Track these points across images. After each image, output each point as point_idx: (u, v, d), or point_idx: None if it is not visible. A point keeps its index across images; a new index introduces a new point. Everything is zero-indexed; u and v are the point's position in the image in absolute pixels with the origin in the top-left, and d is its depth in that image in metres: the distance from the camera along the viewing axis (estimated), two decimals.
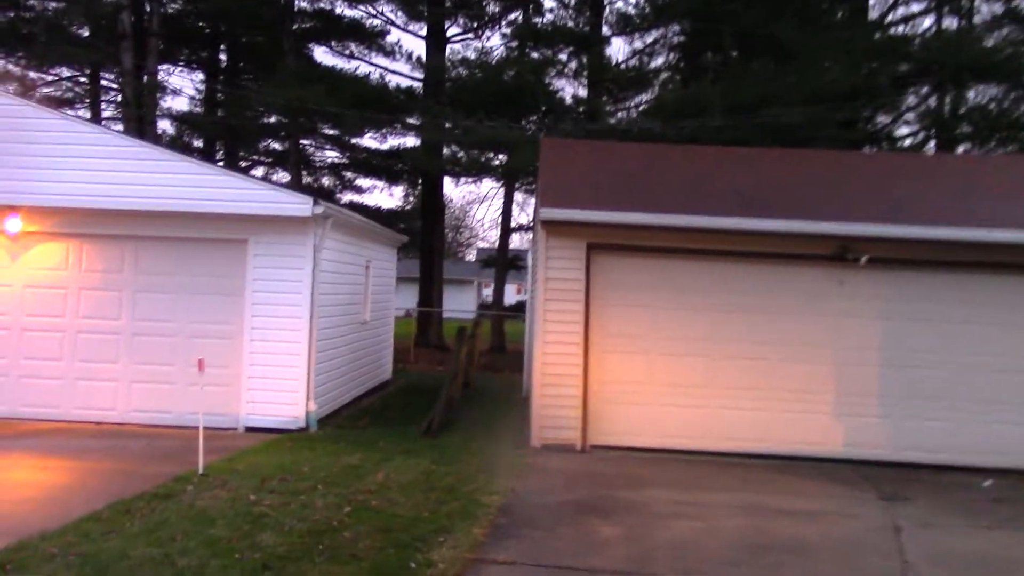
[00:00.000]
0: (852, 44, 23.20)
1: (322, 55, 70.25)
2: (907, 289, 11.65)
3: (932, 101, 25.42)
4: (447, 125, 24.53)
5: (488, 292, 60.09)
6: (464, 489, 9.02)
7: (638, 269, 11.80)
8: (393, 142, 30.95)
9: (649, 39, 25.78)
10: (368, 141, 30.98)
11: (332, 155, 35.08)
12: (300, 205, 12.14)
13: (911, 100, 25.06)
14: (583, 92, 25.99)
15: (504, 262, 29.31)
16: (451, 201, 63.39)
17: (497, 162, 26.21)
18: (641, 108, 25.84)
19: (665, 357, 11.72)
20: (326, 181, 36.22)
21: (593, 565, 6.90)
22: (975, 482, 10.75)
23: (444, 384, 13.91)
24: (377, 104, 26.33)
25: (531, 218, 28.43)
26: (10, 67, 29.40)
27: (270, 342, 12.34)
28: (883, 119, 25.56)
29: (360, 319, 15.85)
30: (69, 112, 24.40)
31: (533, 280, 14.17)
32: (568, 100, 26.00)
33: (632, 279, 11.79)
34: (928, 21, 26.08)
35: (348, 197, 35.65)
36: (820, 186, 13.39)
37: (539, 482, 9.70)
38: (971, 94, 24.63)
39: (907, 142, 25.51)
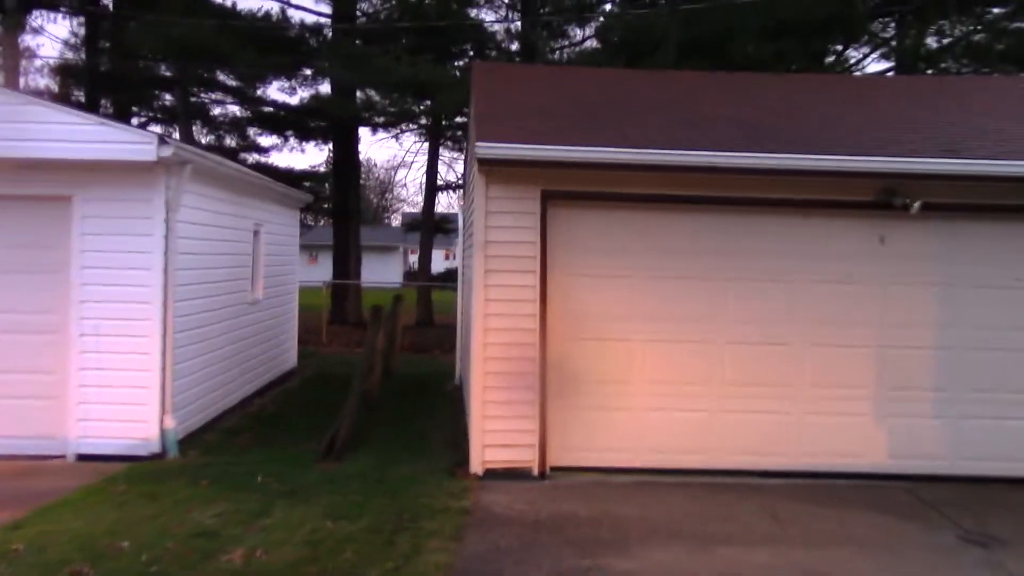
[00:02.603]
0: None
1: None
2: (973, 246, 8.68)
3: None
4: (360, 66, 20.85)
5: (416, 259, 56.55)
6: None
7: (612, 226, 8.64)
8: (304, 94, 27.20)
9: None
10: (276, 94, 27.17)
11: (235, 110, 31.17)
12: (140, 145, 8.70)
13: (890, 31, 22.31)
14: (517, 26, 22.63)
15: (430, 224, 25.87)
16: (375, 165, 59.47)
17: (420, 108, 22.71)
18: (585, 44, 22.61)
19: (652, 345, 8.59)
20: (230, 141, 32.29)
21: None
22: None
23: (355, 381, 10.63)
24: (278, 45, 22.62)
25: (460, 175, 25.08)
26: None
27: (108, 337, 8.93)
28: (855, 53, 22.76)
29: (248, 298, 12.42)
30: None
31: (467, 244, 10.90)
32: (500, 35, 22.63)
33: (604, 240, 8.63)
34: None
35: (254, 158, 31.81)
36: (837, 117, 10.31)
37: (483, 547, 6.51)
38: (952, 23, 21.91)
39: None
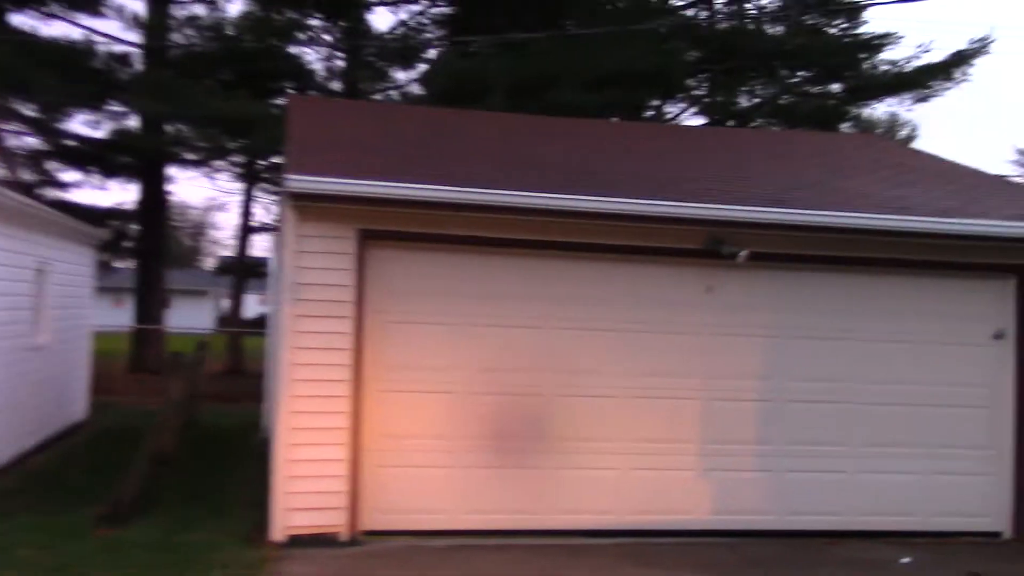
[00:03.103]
0: (644, 21, 20.63)
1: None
2: (799, 297, 8.62)
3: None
4: (170, 97, 19.53)
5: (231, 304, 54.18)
6: None
7: (436, 269, 8.08)
8: (111, 127, 25.38)
9: (417, 8, 22.09)
10: (81, 128, 25.15)
11: (32, 141, 28.83)
12: None
13: (704, 88, 22.98)
14: (340, 64, 21.91)
15: (243, 267, 24.58)
16: (191, 207, 56.82)
17: (235, 145, 21.54)
18: (411, 86, 22.12)
19: (477, 398, 8.03)
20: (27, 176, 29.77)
21: None
22: (890, 560, 7.86)
23: (148, 437, 9.55)
24: (84, 74, 21.00)
25: (277, 216, 23.97)
26: None
27: None
28: (672, 108, 23.29)
29: (28, 343, 11.11)
30: None
31: (278, 288, 10.09)
32: (322, 73, 21.84)
33: (427, 283, 8.05)
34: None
35: (55, 194, 29.49)
36: (664, 164, 10.20)
37: None
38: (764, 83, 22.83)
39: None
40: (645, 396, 8.29)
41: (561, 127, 12.17)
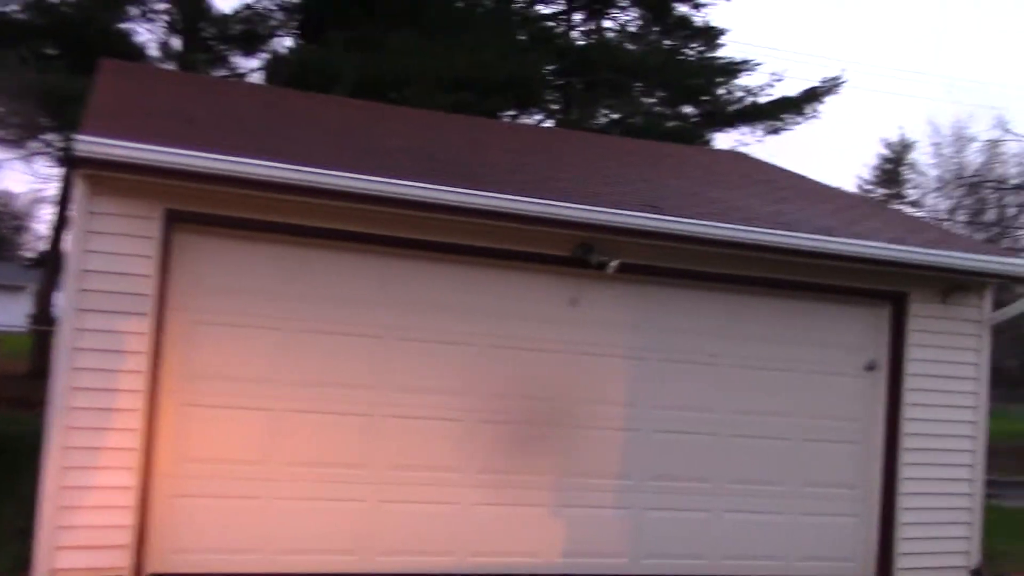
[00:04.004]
0: (503, 28, 19.87)
1: None
2: (669, 316, 7.79)
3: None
4: None
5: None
6: None
7: (259, 263, 6.82)
8: None
9: None
10: None
11: None
12: None
13: (561, 103, 22.39)
14: (177, 46, 20.11)
15: (54, 259, 22.27)
16: (15, 196, 52.47)
17: (51, 123, 19.42)
18: (253, 75, 20.51)
19: (300, 417, 6.80)
20: None
21: None
22: None
23: None
24: None
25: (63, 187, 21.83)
26: None
27: None
28: (528, 120, 22.54)
29: None
30: None
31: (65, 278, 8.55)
32: (156, 52, 19.97)
33: (248, 279, 6.77)
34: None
35: None
36: (529, 163, 9.23)
37: None
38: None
39: None
40: (494, 421, 7.27)
41: (416, 118, 11.06)
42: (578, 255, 7.20)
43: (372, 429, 6.97)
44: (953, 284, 8.27)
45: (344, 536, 6.86)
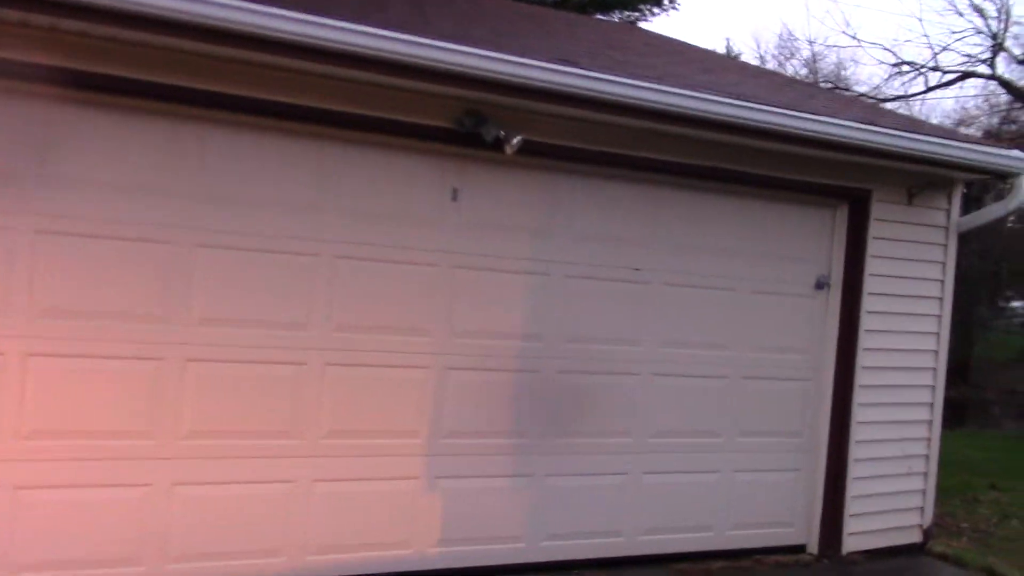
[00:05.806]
0: None
1: None
2: (583, 216, 5.70)
3: None
4: None
5: None
6: None
7: None
8: None
9: None
10: None
11: None
12: None
13: None
14: None
15: None
16: None
17: None
18: None
19: (41, 362, 4.36)
20: None
21: None
22: None
23: None
24: None
25: None
26: None
27: None
28: None
29: None
30: None
31: None
32: None
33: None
34: None
35: None
36: (412, 5, 6.76)
37: None
38: None
39: None
40: (347, 363, 5.05)
41: None
42: (466, 126, 4.98)
43: (155, 378, 4.60)
44: (924, 179, 6.55)
45: (117, 535, 4.52)
